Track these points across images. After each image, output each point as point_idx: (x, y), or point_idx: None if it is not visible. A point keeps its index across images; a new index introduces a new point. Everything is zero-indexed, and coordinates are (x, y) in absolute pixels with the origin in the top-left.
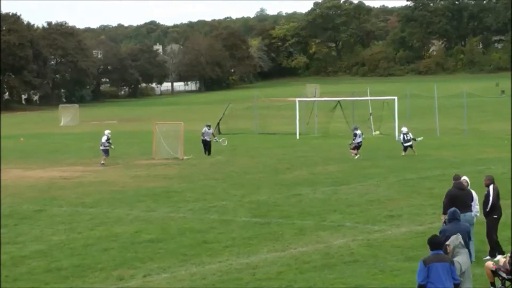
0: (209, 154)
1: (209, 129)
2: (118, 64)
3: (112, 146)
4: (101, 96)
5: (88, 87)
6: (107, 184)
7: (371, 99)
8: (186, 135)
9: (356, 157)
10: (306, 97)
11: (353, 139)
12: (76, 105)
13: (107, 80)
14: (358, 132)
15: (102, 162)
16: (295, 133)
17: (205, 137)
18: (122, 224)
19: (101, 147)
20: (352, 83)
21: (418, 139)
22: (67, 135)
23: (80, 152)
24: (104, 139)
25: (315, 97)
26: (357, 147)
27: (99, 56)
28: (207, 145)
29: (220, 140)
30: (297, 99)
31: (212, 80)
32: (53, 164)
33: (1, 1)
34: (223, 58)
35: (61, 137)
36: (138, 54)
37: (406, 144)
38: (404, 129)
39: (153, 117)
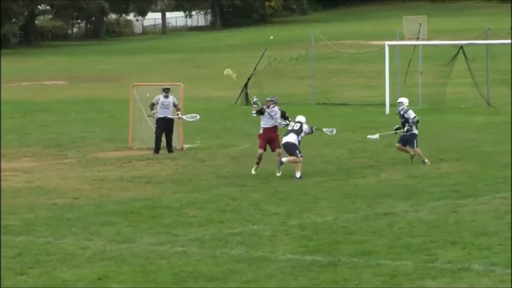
0: (169, 150)
1: (166, 97)
2: None
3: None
4: (37, 37)
5: (14, 20)
6: (45, 193)
7: None
8: (189, 107)
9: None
10: (403, 38)
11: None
12: None
13: (48, 8)
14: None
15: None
16: (383, 104)
17: (161, 114)
18: (72, 265)
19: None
20: (484, 15)
21: None
22: None
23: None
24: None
25: (418, 39)
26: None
27: None
28: (166, 129)
29: (187, 117)
30: (387, 42)
31: (235, 9)
32: None
33: None
34: None
35: None
36: None
37: None
38: None
39: (128, 74)
